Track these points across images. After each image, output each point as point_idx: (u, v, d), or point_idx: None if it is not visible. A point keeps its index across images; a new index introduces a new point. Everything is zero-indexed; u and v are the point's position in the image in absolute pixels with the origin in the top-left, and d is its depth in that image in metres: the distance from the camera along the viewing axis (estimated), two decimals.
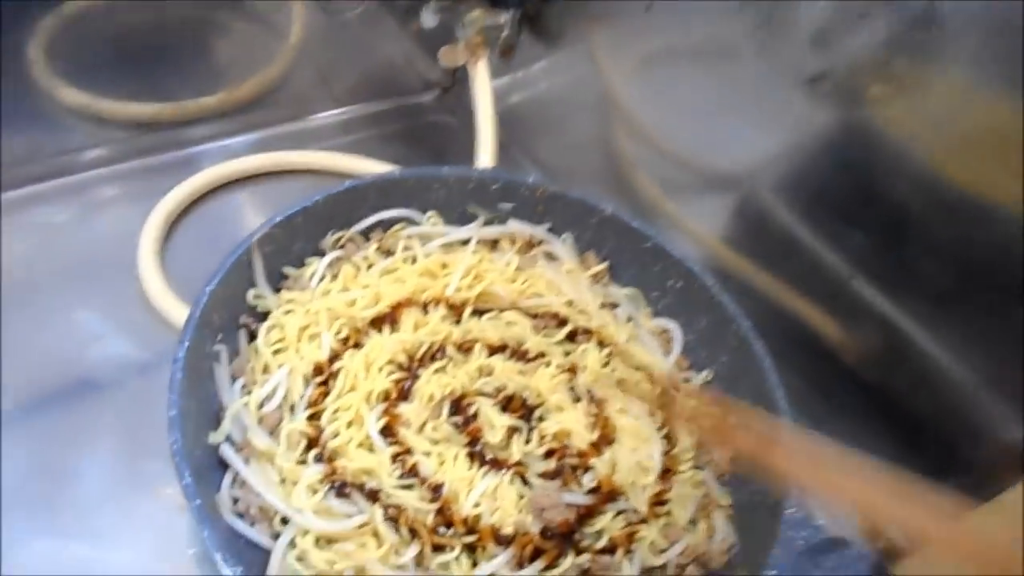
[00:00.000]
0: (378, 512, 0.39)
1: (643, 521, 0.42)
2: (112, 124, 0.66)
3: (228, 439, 0.41)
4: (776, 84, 0.56)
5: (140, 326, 0.56)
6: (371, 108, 0.79)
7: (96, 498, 0.48)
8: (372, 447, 0.41)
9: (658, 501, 0.44)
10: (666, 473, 0.45)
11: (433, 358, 0.45)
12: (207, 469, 0.39)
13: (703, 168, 0.67)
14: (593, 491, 0.42)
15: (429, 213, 0.52)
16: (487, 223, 0.53)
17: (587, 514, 0.41)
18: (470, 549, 0.39)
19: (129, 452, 0.50)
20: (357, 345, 0.45)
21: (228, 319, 0.44)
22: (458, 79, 0.77)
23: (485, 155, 0.68)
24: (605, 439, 0.44)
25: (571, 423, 0.44)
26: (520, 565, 0.39)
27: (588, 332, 0.50)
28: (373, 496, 0.40)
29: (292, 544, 0.39)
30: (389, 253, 0.50)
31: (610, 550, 0.41)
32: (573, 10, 0.69)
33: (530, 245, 0.53)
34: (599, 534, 0.41)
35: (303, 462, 0.41)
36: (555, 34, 0.72)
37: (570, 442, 0.43)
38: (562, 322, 0.50)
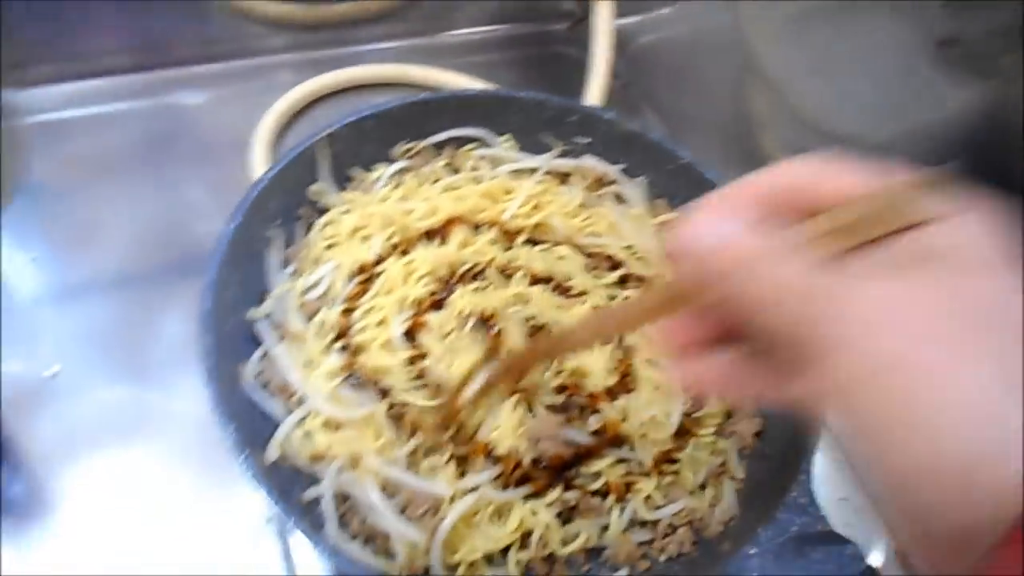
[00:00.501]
0: (383, 407, 0.41)
1: (645, 475, 0.42)
2: (252, 19, 0.70)
3: (267, 317, 0.44)
4: (906, 48, 0.50)
5: None
6: (502, 31, 0.79)
7: (172, 358, 0.54)
8: (393, 348, 0.43)
9: (667, 458, 0.42)
10: (684, 433, 0.43)
11: (474, 278, 0.46)
12: (237, 343, 0.43)
13: (831, 131, 0.62)
14: (596, 433, 0.42)
15: (504, 136, 0.52)
16: (561, 155, 0.52)
17: (586, 455, 0.41)
18: (460, 460, 0.40)
19: None
20: (404, 253, 0.46)
21: (289, 208, 0.47)
22: (591, 12, 0.76)
23: (594, 90, 0.66)
24: (623, 387, 0.43)
25: (591, 363, 0.44)
26: (505, 487, 0.40)
27: (640, 279, 0.48)
28: (384, 393, 0.42)
29: (302, 422, 0.41)
30: (456, 171, 0.51)
31: (603, 494, 0.41)
32: None
33: (600, 183, 0.51)
34: (596, 476, 0.41)
35: (328, 351, 0.43)
36: None
37: (585, 382, 0.43)
38: (616, 265, 0.49)
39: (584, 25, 0.78)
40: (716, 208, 0.25)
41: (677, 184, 0.50)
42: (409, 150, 0.50)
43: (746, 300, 0.23)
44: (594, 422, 0.42)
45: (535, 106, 0.51)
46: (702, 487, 0.43)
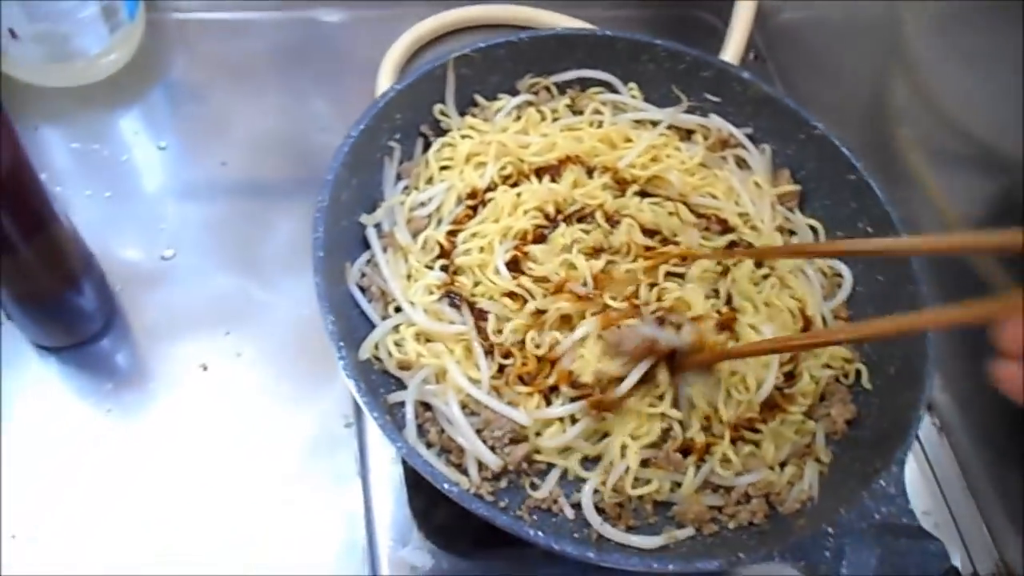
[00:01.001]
0: (474, 327, 0.41)
1: (723, 438, 0.41)
2: None
3: (376, 226, 0.45)
4: None
5: None
6: None
7: (280, 258, 0.56)
8: (494, 273, 0.43)
9: (749, 426, 0.41)
10: (772, 407, 0.42)
11: (581, 220, 0.46)
12: (349, 243, 0.44)
13: (980, 141, 0.58)
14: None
15: (630, 84, 0.51)
16: (687, 111, 0.51)
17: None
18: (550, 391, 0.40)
19: None
20: (515, 185, 0.46)
21: (411, 123, 0.47)
22: None
23: (729, 56, 0.64)
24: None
25: (696, 304, 0.43)
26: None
27: (750, 247, 0.47)
28: (479, 315, 0.42)
29: (396, 329, 0.42)
30: (578, 112, 0.50)
31: (684, 451, 0.40)
32: None
33: (724, 144, 0.50)
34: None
35: (430, 268, 0.44)
36: None
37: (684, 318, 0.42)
38: (727, 230, 0.47)
39: None
40: None
41: (807, 154, 0.48)
42: (535, 84, 0.50)
43: None
44: (688, 332, 0.40)
45: (669, 56, 0.50)
46: (783, 464, 0.41)
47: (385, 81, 0.63)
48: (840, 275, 0.47)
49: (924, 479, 0.53)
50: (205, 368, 0.51)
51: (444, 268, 0.44)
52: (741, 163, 0.50)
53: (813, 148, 0.48)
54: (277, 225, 0.57)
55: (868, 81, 0.68)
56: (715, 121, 0.50)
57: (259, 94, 0.63)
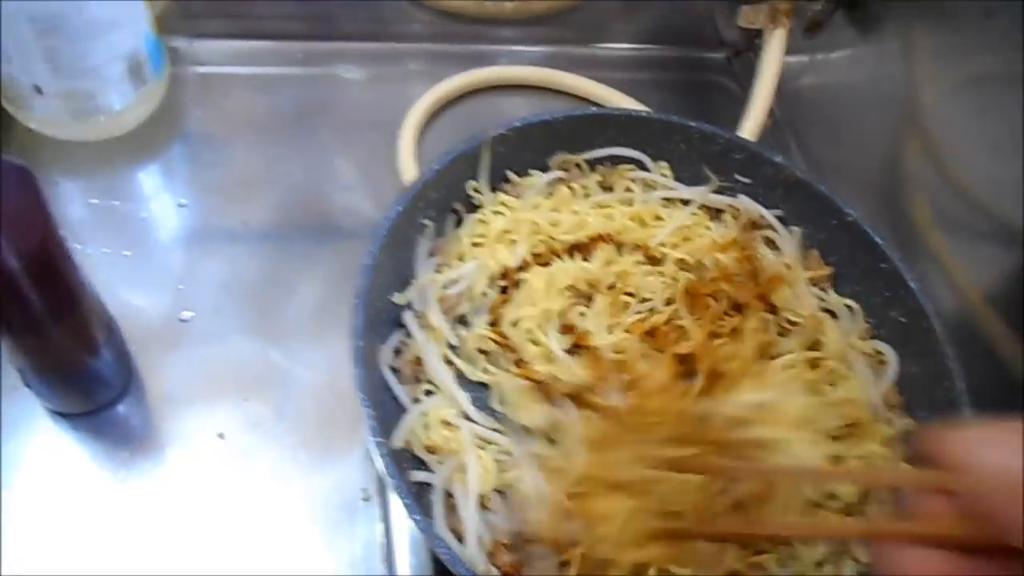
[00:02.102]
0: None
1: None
2: (419, 5, 0.71)
3: (409, 304, 0.45)
4: None
5: (385, 190, 0.62)
6: (658, 51, 0.78)
7: (300, 321, 0.55)
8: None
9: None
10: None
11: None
12: (381, 323, 0.43)
13: (994, 213, 0.59)
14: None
15: (661, 163, 0.51)
16: (717, 191, 0.51)
17: None
18: None
19: (338, 292, 0.56)
20: (546, 265, 0.46)
21: (444, 200, 0.47)
22: (754, 46, 0.74)
23: (750, 125, 0.65)
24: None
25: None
26: None
27: (794, 324, 0.46)
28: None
29: (425, 414, 0.42)
30: (608, 189, 0.50)
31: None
32: (902, 2, 0.63)
33: (753, 225, 0.50)
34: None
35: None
36: (872, 23, 0.66)
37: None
38: (772, 309, 0.47)
39: (743, 57, 0.77)
40: (993, 432, 0.25)
41: (838, 240, 0.49)
42: (565, 161, 0.50)
43: None
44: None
45: (703, 137, 0.50)
46: (819, 564, 0.41)
47: (406, 141, 0.63)
48: (882, 355, 0.47)
49: None
50: (222, 437, 0.50)
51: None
52: (771, 245, 0.50)
53: (845, 233, 0.48)
54: (297, 288, 0.57)
55: (885, 150, 0.68)
56: (744, 202, 0.50)
57: (280, 151, 0.63)
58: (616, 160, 0.51)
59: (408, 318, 0.43)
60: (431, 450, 0.41)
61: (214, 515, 0.47)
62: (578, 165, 0.50)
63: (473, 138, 0.46)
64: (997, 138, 0.57)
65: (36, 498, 0.46)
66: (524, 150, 0.49)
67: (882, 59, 0.66)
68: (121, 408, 0.51)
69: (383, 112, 0.66)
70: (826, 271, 0.49)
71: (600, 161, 0.51)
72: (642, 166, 0.51)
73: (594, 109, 0.50)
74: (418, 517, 0.33)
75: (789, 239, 0.50)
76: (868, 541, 0.29)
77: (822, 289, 0.49)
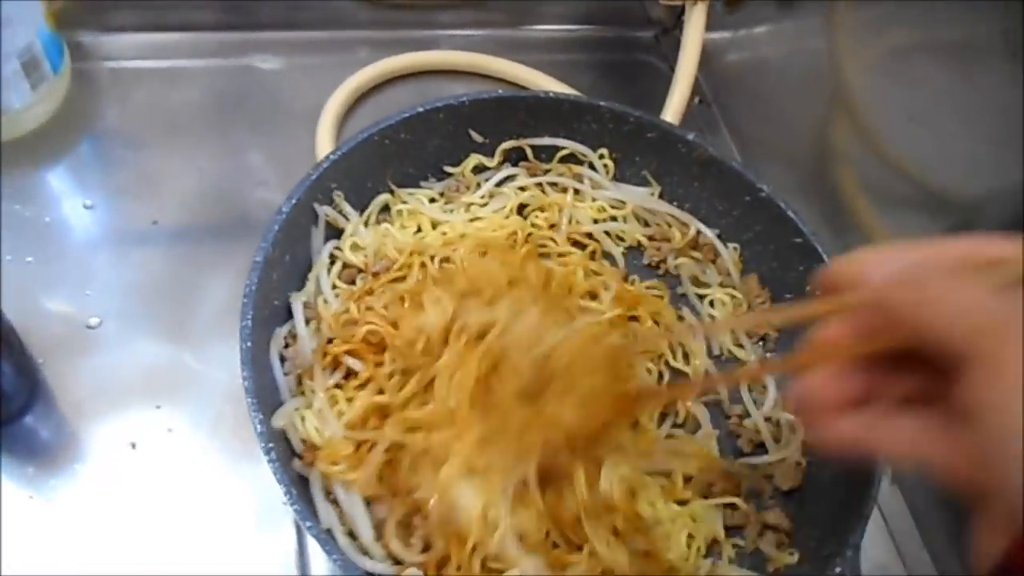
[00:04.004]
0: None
1: None
2: None
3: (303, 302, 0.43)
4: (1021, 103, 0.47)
5: None
6: (588, 32, 0.77)
7: (213, 322, 0.53)
8: None
9: None
10: None
11: None
12: (279, 320, 0.42)
13: (923, 183, 0.59)
14: None
15: (600, 151, 0.49)
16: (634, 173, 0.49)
17: None
18: None
19: None
20: None
21: (350, 189, 0.45)
22: (681, 23, 0.73)
23: (675, 104, 0.64)
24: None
25: None
26: None
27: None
28: None
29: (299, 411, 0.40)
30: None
31: None
32: None
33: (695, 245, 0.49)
34: None
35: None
36: None
37: None
38: None
39: (671, 36, 0.76)
40: (888, 250, 0.28)
41: (753, 218, 0.48)
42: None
43: (927, 312, 0.25)
44: None
45: (614, 117, 0.49)
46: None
47: (325, 133, 0.61)
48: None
49: (879, 532, 0.52)
50: (134, 446, 0.49)
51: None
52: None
53: (760, 211, 0.47)
54: (210, 288, 0.55)
55: (812, 125, 0.68)
56: (685, 216, 0.49)
57: (193, 147, 0.61)
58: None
59: (296, 309, 0.42)
60: (308, 447, 0.40)
61: (129, 527, 0.46)
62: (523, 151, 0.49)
63: (374, 124, 0.45)
64: (920, 109, 0.57)
65: None
66: (432, 137, 0.48)
67: (804, 34, 0.66)
68: (28, 420, 0.49)
69: (302, 104, 0.64)
70: (764, 295, 0.48)
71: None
72: (583, 158, 0.50)
73: (501, 92, 0.48)
74: (309, 524, 0.32)
75: (727, 255, 0.48)
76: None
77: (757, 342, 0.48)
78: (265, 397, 0.37)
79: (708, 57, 0.66)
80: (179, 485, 0.48)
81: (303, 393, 0.40)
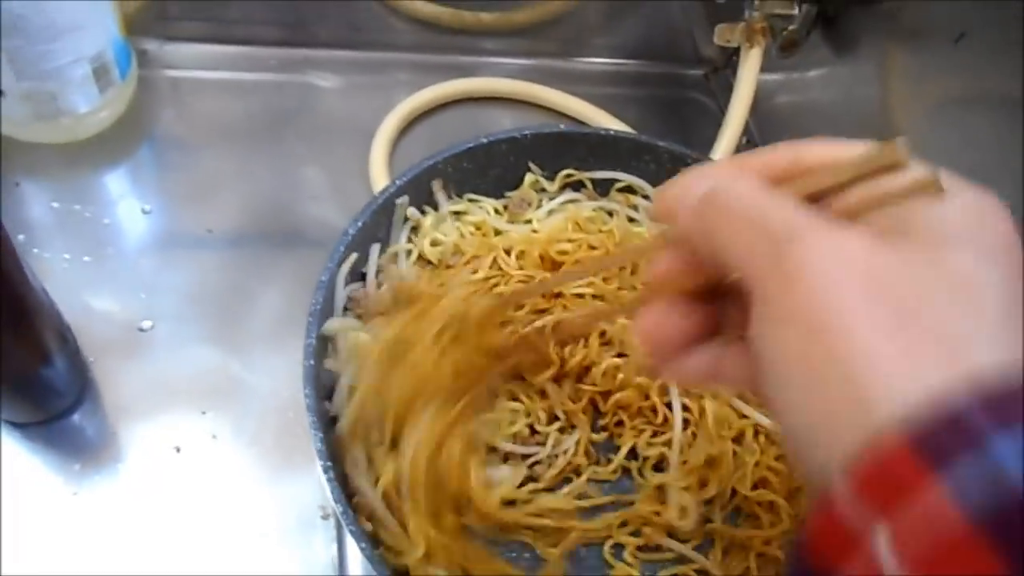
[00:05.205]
0: None
1: None
2: (397, 14, 0.71)
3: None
4: None
5: (355, 201, 0.60)
6: (637, 67, 0.78)
7: (262, 332, 0.54)
8: None
9: None
10: None
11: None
12: None
13: None
14: None
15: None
16: None
17: None
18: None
19: (301, 302, 0.54)
20: None
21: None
22: (732, 63, 0.74)
23: (725, 144, 0.65)
24: None
25: None
26: None
27: None
28: None
29: None
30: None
31: None
32: (877, 23, 0.63)
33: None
34: None
35: None
36: (849, 43, 0.66)
37: None
38: None
39: (721, 74, 0.77)
40: (701, 171, 0.26)
41: None
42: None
43: (718, 238, 0.24)
44: None
45: (671, 157, 0.49)
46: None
47: (378, 152, 0.62)
48: None
49: None
50: (178, 450, 0.49)
51: None
52: None
53: None
54: (260, 298, 0.56)
55: None
56: None
57: (250, 158, 0.62)
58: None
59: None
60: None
61: (167, 531, 0.46)
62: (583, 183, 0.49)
63: (440, 152, 0.45)
64: (972, 162, 0.57)
65: None
66: (491, 167, 0.49)
67: (857, 79, 0.66)
68: (76, 418, 0.50)
69: (357, 122, 0.65)
70: None
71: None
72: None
73: (563, 127, 0.49)
74: (364, 545, 0.33)
75: None
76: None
77: None
78: (324, 414, 0.37)
79: (758, 98, 0.67)
80: (220, 491, 0.48)
81: None
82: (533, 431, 0.39)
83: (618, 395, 0.40)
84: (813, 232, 0.22)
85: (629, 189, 0.51)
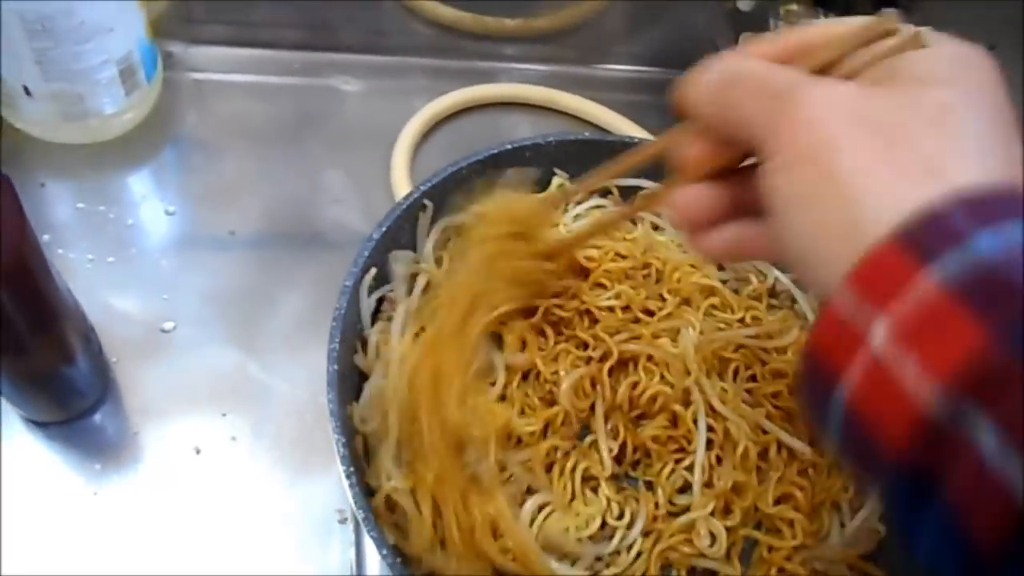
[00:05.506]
0: None
1: None
2: (419, 18, 0.71)
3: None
4: None
5: (377, 205, 0.61)
6: (659, 74, 0.77)
7: (284, 334, 0.54)
8: None
9: None
10: None
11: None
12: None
13: None
14: None
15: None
16: None
17: None
18: None
19: (322, 306, 0.55)
20: None
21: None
22: None
23: None
24: None
25: None
26: None
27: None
28: None
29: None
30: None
31: None
32: None
33: (772, 292, 0.49)
34: None
35: None
36: None
37: None
38: None
39: None
40: (719, 60, 0.28)
41: None
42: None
43: (731, 110, 0.27)
44: None
45: None
46: None
47: (400, 157, 0.63)
48: None
49: None
50: (198, 452, 0.49)
51: None
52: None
53: None
54: (282, 301, 0.56)
55: None
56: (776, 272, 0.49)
57: (273, 160, 0.62)
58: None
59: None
60: None
61: (186, 532, 0.47)
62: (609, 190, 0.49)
63: (466, 158, 0.45)
64: None
65: (6, 508, 0.45)
66: (515, 173, 0.48)
67: None
68: (97, 418, 0.50)
69: (379, 125, 0.65)
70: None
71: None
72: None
73: (588, 134, 0.49)
74: (385, 552, 0.33)
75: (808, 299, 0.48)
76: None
77: None
78: (346, 420, 0.37)
79: None
80: (238, 493, 0.48)
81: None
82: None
83: (651, 428, 0.40)
84: (809, 85, 0.24)
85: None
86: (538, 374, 0.40)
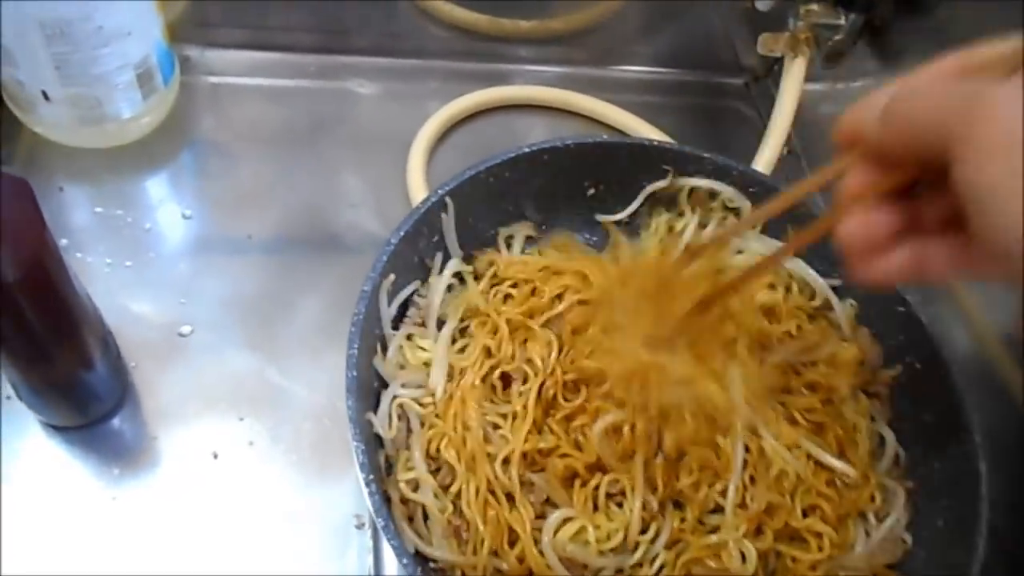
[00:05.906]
0: None
1: None
2: (434, 20, 0.71)
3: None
4: None
5: (393, 208, 0.61)
6: (675, 75, 0.77)
7: (300, 339, 0.54)
8: None
9: None
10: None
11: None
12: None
13: None
14: None
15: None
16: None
17: None
18: None
19: (339, 309, 0.55)
20: None
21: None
22: (773, 72, 0.73)
23: (767, 155, 0.64)
24: None
25: None
26: None
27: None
28: None
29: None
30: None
31: None
32: (926, 34, 0.61)
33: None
34: None
35: None
36: (896, 54, 0.65)
37: None
38: None
39: (762, 83, 0.76)
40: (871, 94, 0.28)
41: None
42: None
43: (914, 113, 0.26)
44: None
45: (716, 169, 0.48)
46: None
47: (417, 158, 0.62)
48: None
49: None
50: (216, 456, 0.49)
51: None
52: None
53: None
54: (299, 305, 0.56)
55: None
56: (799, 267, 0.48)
57: (289, 164, 0.62)
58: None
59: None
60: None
61: (204, 536, 0.46)
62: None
63: (484, 161, 0.45)
64: None
65: (26, 512, 0.45)
66: (535, 176, 0.48)
67: None
68: (115, 422, 0.50)
69: (395, 128, 0.65)
70: (876, 350, 0.46)
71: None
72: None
73: (606, 137, 0.49)
74: (406, 561, 0.32)
75: (844, 311, 0.47)
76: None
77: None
78: (365, 426, 0.37)
79: (801, 108, 0.66)
80: (256, 498, 0.48)
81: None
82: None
83: (687, 475, 0.39)
84: (995, 84, 0.24)
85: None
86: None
